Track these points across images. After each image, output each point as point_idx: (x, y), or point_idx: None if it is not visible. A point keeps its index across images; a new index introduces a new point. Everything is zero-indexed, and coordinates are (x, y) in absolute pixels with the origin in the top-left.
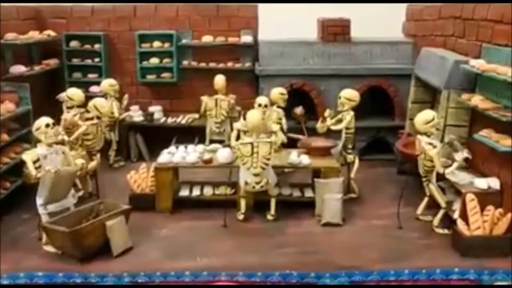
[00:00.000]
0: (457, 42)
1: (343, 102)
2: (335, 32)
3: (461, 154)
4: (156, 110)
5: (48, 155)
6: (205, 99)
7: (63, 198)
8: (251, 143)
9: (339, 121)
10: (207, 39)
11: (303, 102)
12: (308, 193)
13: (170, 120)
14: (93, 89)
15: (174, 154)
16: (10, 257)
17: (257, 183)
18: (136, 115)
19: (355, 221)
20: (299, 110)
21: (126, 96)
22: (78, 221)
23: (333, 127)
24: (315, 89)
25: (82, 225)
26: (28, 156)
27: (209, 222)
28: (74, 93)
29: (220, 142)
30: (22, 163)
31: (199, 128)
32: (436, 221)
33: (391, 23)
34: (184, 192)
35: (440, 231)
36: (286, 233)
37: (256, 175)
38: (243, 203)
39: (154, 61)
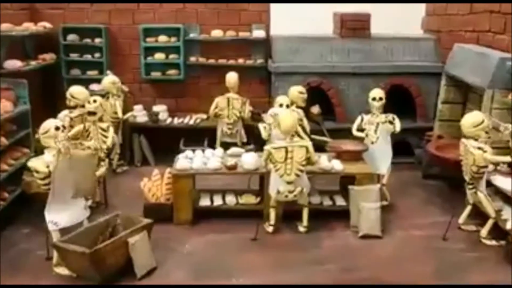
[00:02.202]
0: (495, 39)
1: (384, 104)
2: (355, 27)
3: (506, 129)
4: (161, 110)
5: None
6: (217, 99)
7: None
8: (286, 148)
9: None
10: (216, 33)
11: (319, 102)
12: (339, 201)
13: (176, 120)
14: (93, 87)
15: (192, 159)
16: (14, 280)
17: (290, 191)
18: (140, 115)
19: (393, 232)
20: (316, 109)
21: (124, 87)
22: (94, 238)
23: (397, 129)
24: (333, 88)
25: (102, 244)
26: (36, 164)
27: (234, 235)
28: (78, 91)
29: (233, 144)
30: (21, 170)
31: (208, 129)
32: (484, 231)
33: (409, 18)
34: (205, 202)
35: (488, 242)
36: (321, 246)
37: (289, 183)
38: (273, 213)
39: (160, 56)
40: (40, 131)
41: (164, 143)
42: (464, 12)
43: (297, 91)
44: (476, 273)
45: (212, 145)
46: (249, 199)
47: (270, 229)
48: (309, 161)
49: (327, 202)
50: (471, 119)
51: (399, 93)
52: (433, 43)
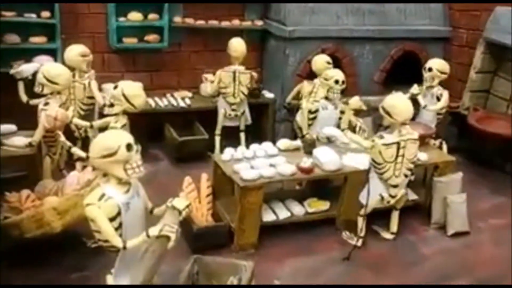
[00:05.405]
0: None
1: (434, 76)
2: None
3: None
4: None
5: (130, 201)
6: (220, 73)
7: None
8: (398, 143)
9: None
10: None
11: None
12: (411, 196)
13: (162, 103)
14: (41, 59)
15: (250, 162)
16: None
17: (393, 196)
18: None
19: (472, 224)
20: (358, 103)
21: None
22: None
23: (431, 108)
24: (348, 56)
25: None
26: (102, 214)
27: (317, 256)
28: (58, 73)
29: (235, 128)
30: None
31: (197, 111)
32: None
33: None
34: (269, 217)
35: None
36: (424, 255)
37: (395, 186)
38: (363, 224)
39: (136, 17)
40: (101, 153)
41: (144, 131)
42: None
43: (324, 61)
44: None
45: (208, 131)
46: (319, 206)
47: (359, 242)
48: None
49: None
50: None
51: (408, 59)
52: (441, 5)
